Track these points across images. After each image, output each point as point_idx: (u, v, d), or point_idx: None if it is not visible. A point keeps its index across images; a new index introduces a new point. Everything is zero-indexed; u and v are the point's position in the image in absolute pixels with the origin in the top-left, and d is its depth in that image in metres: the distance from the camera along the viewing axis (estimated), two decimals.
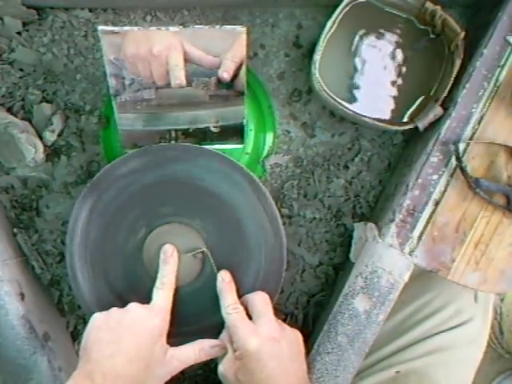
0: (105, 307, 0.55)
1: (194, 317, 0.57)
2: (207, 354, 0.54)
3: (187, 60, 0.54)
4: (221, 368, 0.53)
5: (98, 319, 0.52)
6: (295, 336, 0.54)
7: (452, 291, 0.64)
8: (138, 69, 0.55)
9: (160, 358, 0.51)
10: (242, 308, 0.54)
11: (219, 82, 0.56)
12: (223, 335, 0.54)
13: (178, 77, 0.55)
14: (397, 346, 0.63)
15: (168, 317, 0.53)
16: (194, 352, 0.53)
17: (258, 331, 0.51)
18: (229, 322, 0.53)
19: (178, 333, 0.55)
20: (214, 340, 0.54)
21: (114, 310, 0.53)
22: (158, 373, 0.51)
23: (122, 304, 0.54)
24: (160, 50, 0.53)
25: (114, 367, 0.48)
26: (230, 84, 0.56)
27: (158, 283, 0.55)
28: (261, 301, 0.54)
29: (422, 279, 0.63)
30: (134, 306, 0.53)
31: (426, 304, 0.64)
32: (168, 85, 0.56)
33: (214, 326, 0.55)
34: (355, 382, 0.56)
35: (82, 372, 0.48)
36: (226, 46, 0.54)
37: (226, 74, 0.55)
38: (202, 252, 0.56)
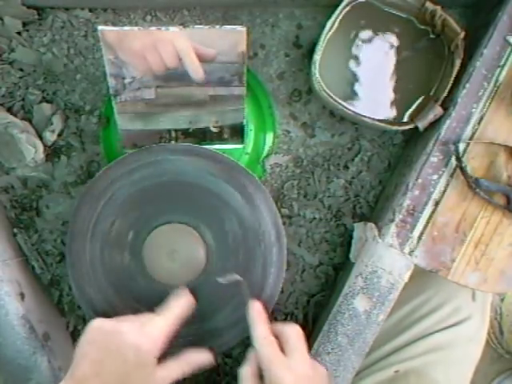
0: (105, 307, 0.55)
1: (191, 318, 0.57)
2: (195, 367, 0.52)
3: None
4: None
5: (90, 332, 0.49)
6: (326, 374, 0.52)
7: (449, 290, 0.64)
8: (147, 59, 0.54)
9: (147, 382, 0.49)
10: (274, 340, 0.50)
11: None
12: (247, 368, 0.50)
13: (191, 59, 0.54)
14: (395, 345, 0.63)
15: (163, 345, 0.50)
16: (181, 368, 0.51)
17: (293, 367, 0.48)
18: (262, 355, 0.49)
19: (176, 335, 0.56)
20: (199, 352, 0.53)
21: (109, 324, 0.49)
22: None
23: (122, 304, 0.54)
24: (166, 36, 0.53)
25: None
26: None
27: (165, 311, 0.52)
28: (295, 334, 0.51)
29: (419, 278, 0.63)
30: (127, 329, 0.49)
31: (424, 303, 0.64)
32: (176, 69, 0.55)
33: (213, 329, 0.55)
34: (354, 382, 0.56)
35: None
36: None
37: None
38: (238, 281, 0.54)
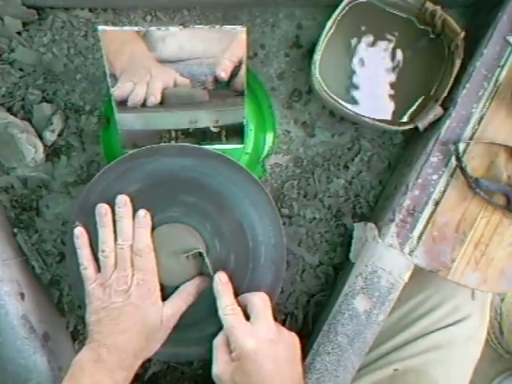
0: None
1: (193, 318, 0.57)
2: (195, 295, 0.56)
3: None
4: (216, 370, 0.52)
5: (95, 301, 0.54)
6: (292, 339, 0.54)
7: (449, 288, 0.64)
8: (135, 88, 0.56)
9: (157, 326, 0.54)
10: (239, 309, 0.53)
11: (216, 80, 0.56)
12: (219, 337, 0.53)
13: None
14: (394, 343, 0.63)
15: (157, 280, 0.55)
16: (182, 300, 0.55)
17: (256, 332, 0.51)
18: (226, 323, 0.53)
19: (177, 333, 0.56)
20: (195, 279, 0.56)
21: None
22: (158, 336, 0.54)
23: None
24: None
25: (115, 343, 0.52)
26: (228, 83, 0.56)
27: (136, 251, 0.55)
28: (260, 302, 0.54)
29: (418, 277, 0.63)
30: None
31: (423, 302, 0.64)
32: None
33: (214, 327, 0.55)
34: (353, 380, 0.56)
35: (89, 348, 0.52)
36: (225, 46, 0.54)
37: (223, 73, 0.55)
38: (200, 253, 0.56)
